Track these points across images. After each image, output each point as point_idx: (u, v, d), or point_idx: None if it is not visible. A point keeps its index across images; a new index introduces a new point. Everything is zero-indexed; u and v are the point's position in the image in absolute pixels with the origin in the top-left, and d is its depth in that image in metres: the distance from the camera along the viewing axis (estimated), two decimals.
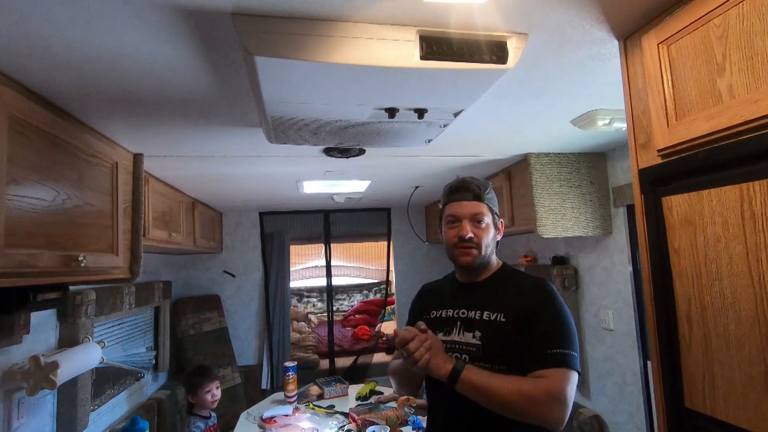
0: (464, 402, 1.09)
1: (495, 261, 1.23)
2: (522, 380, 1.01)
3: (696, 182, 0.86)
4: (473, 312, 1.14)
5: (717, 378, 0.82)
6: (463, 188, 1.20)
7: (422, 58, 0.97)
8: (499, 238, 1.22)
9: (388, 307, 5.45)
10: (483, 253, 1.16)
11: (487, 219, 1.18)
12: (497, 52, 1.00)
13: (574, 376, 1.02)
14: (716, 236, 0.82)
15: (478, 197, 1.19)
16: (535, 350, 1.04)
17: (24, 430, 1.59)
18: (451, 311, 1.20)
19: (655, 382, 0.98)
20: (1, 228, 0.98)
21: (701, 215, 0.84)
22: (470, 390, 1.02)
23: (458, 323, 1.16)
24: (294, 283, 5.62)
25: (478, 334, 1.09)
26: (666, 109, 0.92)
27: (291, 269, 4.16)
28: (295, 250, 5.10)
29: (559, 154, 2.23)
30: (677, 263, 0.90)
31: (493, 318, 1.11)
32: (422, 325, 1.09)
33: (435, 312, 1.24)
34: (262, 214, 3.99)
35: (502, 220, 1.24)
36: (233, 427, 2.46)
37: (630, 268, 2.19)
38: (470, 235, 1.15)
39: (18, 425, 1.55)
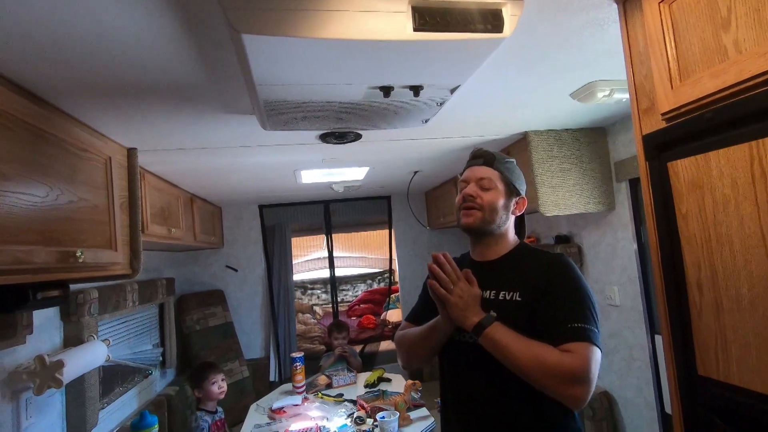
0: (479, 385, 1.08)
1: (512, 239, 1.20)
2: (547, 350, 0.96)
3: (702, 144, 0.83)
4: (488, 292, 1.11)
5: (730, 343, 0.80)
6: (477, 155, 1.21)
7: (415, 29, 0.94)
8: (517, 213, 1.19)
9: (393, 296, 5.45)
10: (487, 216, 1.13)
11: (497, 185, 1.15)
12: (492, 20, 0.97)
13: (598, 354, 0.97)
14: (725, 198, 0.79)
15: (489, 163, 1.17)
16: (554, 325, 1.00)
17: (33, 429, 1.59)
18: None
19: (665, 351, 0.96)
20: None
21: (709, 178, 0.82)
22: (491, 347, 1.00)
23: None
24: (297, 276, 5.62)
25: (493, 314, 1.06)
26: (669, 71, 0.89)
27: (294, 262, 4.15)
28: (296, 242, 5.09)
29: (558, 130, 2.19)
30: (685, 229, 0.88)
31: (509, 297, 1.08)
32: (470, 274, 1.08)
33: None
34: (261, 207, 3.98)
35: (522, 197, 1.20)
36: (243, 419, 2.47)
37: (635, 244, 2.18)
38: (471, 193, 1.14)
39: (27, 425, 1.55)
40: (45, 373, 1.47)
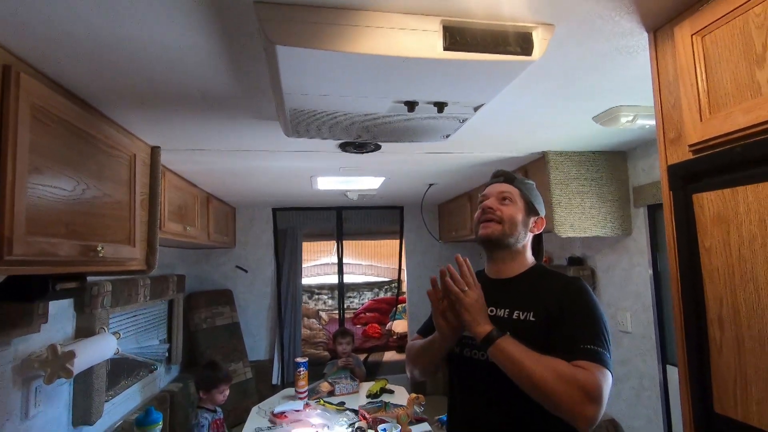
0: (488, 397, 1.07)
1: (529, 258, 1.20)
2: (561, 362, 0.95)
3: (731, 178, 0.82)
4: (502, 310, 1.11)
5: (750, 382, 0.79)
6: (498, 175, 1.25)
7: (446, 48, 0.95)
8: (535, 231, 1.20)
9: (399, 306, 5.43)
10: (506, 229, 1.14)
11: (516, 200, 1.17)
12: (522, 43, 0.98)
13: (609, 377, 0.94)
14: (752, 235, 0.78)
15: (509, 181, 1.21)
16: (566, 344, 0.99)
17: (41, 417, 1.61)
18: None
19: (681, 385, 0.95)
20: (23, 216, 0.98)
21: (736, 213, 0.81)
22: (502, 359, 0.98)
23: None
24: (305, 280, 5.62)
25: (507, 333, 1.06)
26: (699, 103, 0.88)
27: (303, 266, 4.16)
28: (307, 246, 5.11)
29: (578, 152, 2.18)
30: (708, 263, 0.87)
31: (522, 317, 1.07)
32: (480, 288, 1.08)
33: None
34: (275, 210, 4.01)
35: (541, 217, 1.21)
36: (244, 421, 2.47)
37: (650, 270, 2.14)
38: (491, 206, 1.16)
39: (35, 413, 1.57)
40: (56, 363, 1.50)
